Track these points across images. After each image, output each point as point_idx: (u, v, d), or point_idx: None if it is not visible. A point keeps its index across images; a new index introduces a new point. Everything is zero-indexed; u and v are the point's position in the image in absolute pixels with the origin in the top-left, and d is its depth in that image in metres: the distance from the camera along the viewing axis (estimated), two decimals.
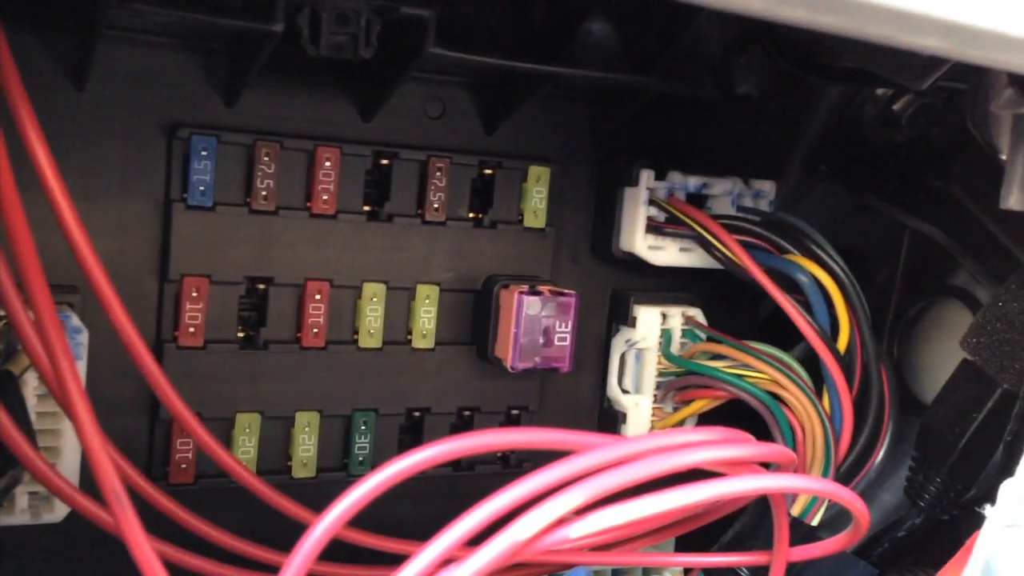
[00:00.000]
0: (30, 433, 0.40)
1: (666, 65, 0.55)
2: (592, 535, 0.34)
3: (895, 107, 0.61)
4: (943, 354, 0.65)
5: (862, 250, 0.66)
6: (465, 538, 0.32)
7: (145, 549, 0.33)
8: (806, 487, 0.50)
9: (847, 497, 0.43)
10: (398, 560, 0.33)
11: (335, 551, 0.37)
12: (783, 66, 0.56)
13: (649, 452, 0.37)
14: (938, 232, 0.61)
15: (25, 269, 0.36)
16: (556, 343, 0.53)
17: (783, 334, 0.60)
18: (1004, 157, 0.46)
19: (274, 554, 0.46)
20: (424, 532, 0.33)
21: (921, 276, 0.66)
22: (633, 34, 0.55)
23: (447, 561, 0.32)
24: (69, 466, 0.44)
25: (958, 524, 0.58)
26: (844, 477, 0.55)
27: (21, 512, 0.44)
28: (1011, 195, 0.45)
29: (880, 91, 0.61)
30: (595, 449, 0.36)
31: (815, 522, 0.54)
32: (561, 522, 0.33)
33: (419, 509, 0.55)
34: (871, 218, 0.66)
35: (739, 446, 0.40)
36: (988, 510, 0.41)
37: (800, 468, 0.54)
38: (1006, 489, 0.41)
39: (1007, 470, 0.53)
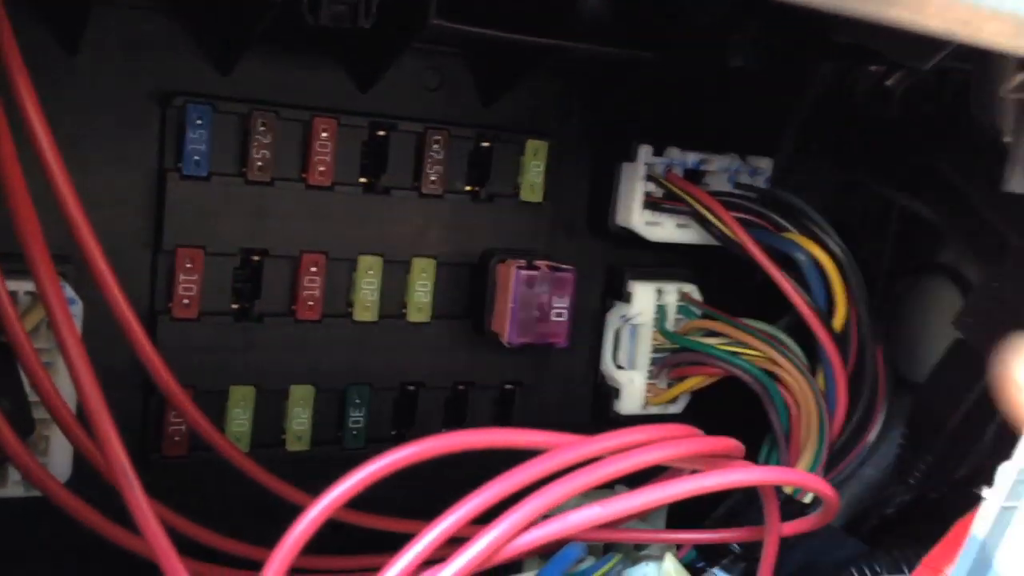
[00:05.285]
0: (26, 412, 0.39)
1: (662, 37, 0.54)
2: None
3: (888, 83, 0.61)
4: (929, 330, 0.65)
5: (849, 225, 0.66)
6: (435, 545, 0.33)
7: (154, 527, 0.33)
8: (769, 478, 0.50)
9: (813, 484, 0.44)
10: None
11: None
12: (779, 40, 0.55)
13: (608, 451, 0.37)
14: (927, 209, 0.61)
15: (27, 241, 0.35)
16: (553, 319, 0.53)
17: (770, 306, 0.60)
18: (1007, 140, 0.46)
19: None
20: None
21: (908, 252, 0.66)
22: (629, 5, 0.55)
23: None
24: (62, 449, 0.44)
25: (947, 502, 0.58)
26: (838, 454, 0.55)
27: (14, 484, 0.43)
28: (1014, 178, 0.44)
29: (874, 67, 0.61)
30: (562, 449, 0.36)
31: (807, 500, 0.54)
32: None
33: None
34: (859, 193, 0.66)
35: (690, 441, 0.40)
36: (985, 492, 0.41)
37: (794, 445, 0.54)
38: (1003, 471, 0.41)
39: (997, 451, 0.54)
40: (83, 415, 0.37)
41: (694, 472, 0.41)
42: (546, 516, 0.36)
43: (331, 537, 0.38)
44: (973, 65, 0.50)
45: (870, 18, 0.29)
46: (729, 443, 0.42)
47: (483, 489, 0.34)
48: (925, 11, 0.29)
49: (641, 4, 0.55)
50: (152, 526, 0.35)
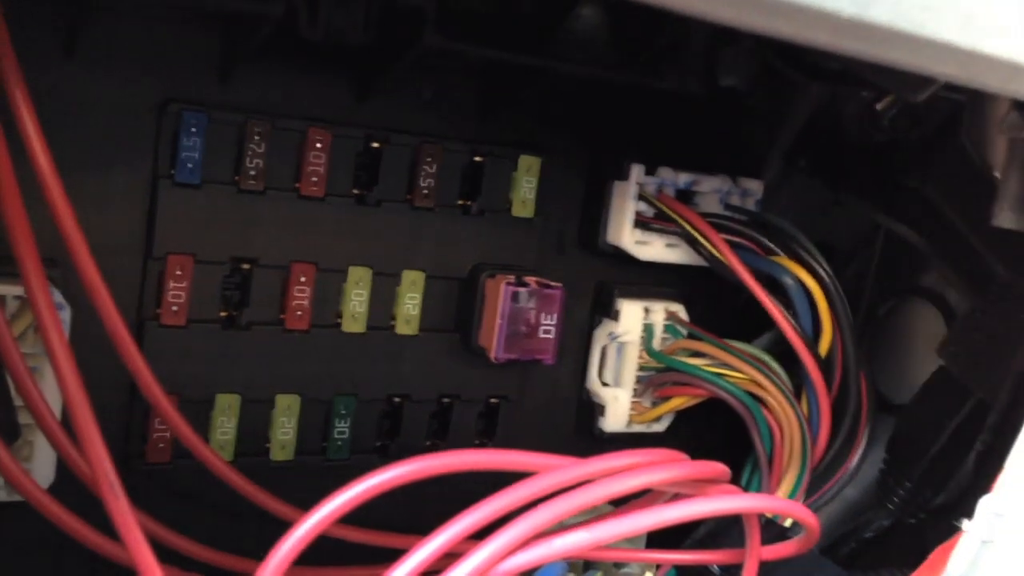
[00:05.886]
0: (12, 418, 0.39)
1: (653, 56, 0.54)
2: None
3: (878, 107, 0.61)
4: (911, 353, 0.66)
5: (833, 246, 0.67)
6: (428, 561, 0.33)
7: (138, 539, 0.33)
8: (756, 506, 0.50)
9: (798, 513, 0.45)
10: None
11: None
12: (770, 61, 0.55)
13: (599, 474, 0.38)
14: (912, 233, 0.62)
15: (18, 245, 0.35)
16: (540, 335, 0.53)
17: (754, 325, 0.61)
18: (997, 174, 0.47)
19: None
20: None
21: (892, 275, 0.67)
22: (621, 24, 0.55)
23: None
24: (46, 455, 0.43)
25: (924, 529, 0.59)
26: (819, 478, 0.56)
27: None
28: (1002, 213, 0.45)
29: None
30: (553, 472, 0.36)
31: (787, 523, 0.54)
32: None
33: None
34: (845, 214, 0.66)
35: (676, 466, 0.40)
36: (965, 524, 0.41)
37: (777, 468, 0.55)
38: (983, 505, 0.42)
39: (977, 481, 0.54)
40: (67, 421, 0.38)
41: (678, 496, 0.42)
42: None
43: (313, 548, 0.38)
44: (966, 97, 0.51)
45: (869, 59, 0.30)
46: (717, 468, 0.42)
47: (478, 507, 0.34)
48: (922, 54, 0.29)
49: (633, 24, 0.55)
50: (135, 537, 0.35)
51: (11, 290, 0.41)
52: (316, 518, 0.34)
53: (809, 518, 0.46)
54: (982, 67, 0.30)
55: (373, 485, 0.35)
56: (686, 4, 0.27)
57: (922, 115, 0.60)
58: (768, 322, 0.56)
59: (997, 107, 0.45)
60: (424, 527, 0.52)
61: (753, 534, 0.47)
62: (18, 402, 0.40)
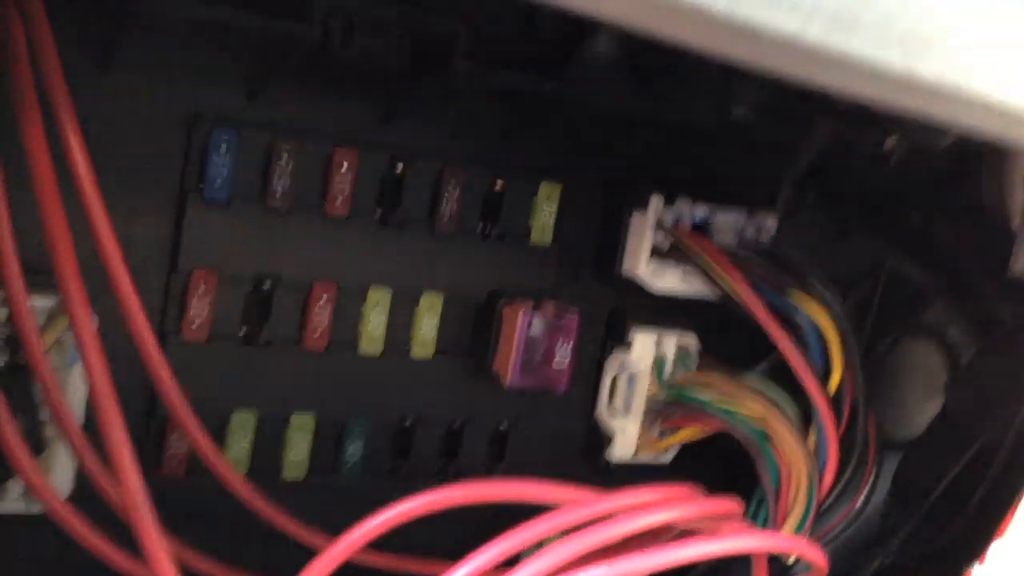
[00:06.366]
0: (36, 433, 0.39)
1: (667, 85, 0.55)
2: None
3: (887, 144, 0.62)
4: (911, 390, 0.66)
5: (834, 278, 0.67)
6: None
7: (164, 559, 0.33)
8: (773, 546, 0.51)
9: (811, 555, 0.45)
10: None
11: None
12: (782, 95, 0.56)
13: (619, 510, 0.39)
14: (916, 271, 0.62)
15: (59, 258, 0.35)
16: (555, 364, 0.54)
17: (760, 352, 0.61)
18: (1015, 223, 0.47)
19: None
20: None
21: (893, 311, 0.67)
22: (636, 52, 0.55)
23: None
24: (64, 467, 0.43)
25: (924, 570, 0.59)
26: (823, 516, 0.56)
27: (14, 500, 0.43)
28: (1020, 262, 0.46)
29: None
30: (571, 508, 0.37)
31: (790, 560, 0.55)
32: None
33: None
34: (847, 247, 0.67)
35: (695, 503, 0.41)
36: (976, 569, 0.42)
37: (783, 505, 0.55)
38: (994, 549, 0.42)
39: (981, 524, 0.55)
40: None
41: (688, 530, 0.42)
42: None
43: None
44: (987, 145, 0.51)
45: (914, 114, 0.30)
46: (732, 505, 0.43)
47: (504, 538, 0.34)
48: (971, 113, 0.30)
49: (647, 52, 0.55)
50: (161, 557, 0.35)
51: (41, 302, 0.41)
52: (344, 544, 0.34)
53: (819, 558, 0.46)
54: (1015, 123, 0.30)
55: (402, 512, 0.35)
56: (747, 58, 0.27)
57: (932, 154, 0.61)
58: (768, 348, 0.57)
59: (1017, 157, 0.46)
60: (433, 549, 0.52)
61: (760, 572, 0.48)
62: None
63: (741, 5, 0.24)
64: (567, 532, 0.36)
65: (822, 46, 0.26)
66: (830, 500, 0.56)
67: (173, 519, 0.45)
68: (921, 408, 0.64)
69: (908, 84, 0.29)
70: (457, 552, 0.36)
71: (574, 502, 0.37)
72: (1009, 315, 0.57)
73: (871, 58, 0.27)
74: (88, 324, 0.36)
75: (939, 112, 0.31)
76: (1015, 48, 0.29)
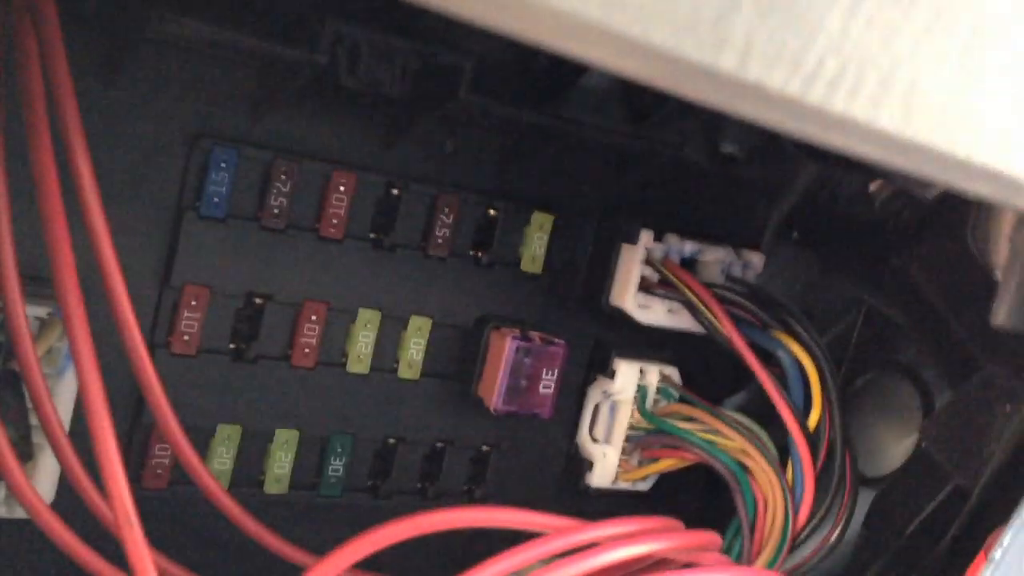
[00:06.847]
0: (28, 439, 0.39)
1: (660, 121, 0.56)
2: None
3: (871, 188, 0.63)
4: (886, 428, 0.67)
5: (814, 313, 0.68)
6: None
7: (149, 570, 0.33)
8: None
9: None
10: None
11: None
12: (774, 134, 0.57)
13: (602, 539, 0.39)
14: (895, 312, 0.63)
15: (59, 266, 0.36)
16: (540, 391, 0.54)
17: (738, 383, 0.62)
18: (998, 274, 0.48)
19: None
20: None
21: (869, 349, 0.68)
22: (628, 87, 0.56)
23: None
24: (48, 473, 0.44)
25: None
26: (798, 550, 0.57)
27: None
28: (1001, 313, 0.47)
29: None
30: (554, 536, 0.37)
31: None
32: None
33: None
34: (827, 285, 0.68)
35: (676, 536, 0.42)
36: None
37: (758, 537, 0.56)
38: None
39: (951, 564, 0.56)
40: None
41: (664, 562, 0.43)
42: None
43: None
44: (973, 200, 0.52)
45: (909, 173, 0.31)
46: (711, 538, 0.43)
47: (492, 563, 0.35)
48: (967, 176, 0.31)
49: (641, 90, 0.56)
50: (146, 569, 0.36)
51: (34, 311, 0.42)
52: (330, 564, 0.35)
53: None
54: (1011, 189, 0.31)
55: (387, 534, 0.36)
56: (770, 121, 0.28)
57: (913, 198, 0.62)
58: (745, 379, 0.57)
59: (1001, 211, 0.47)
60: (407, 573, 0.52)
61: None
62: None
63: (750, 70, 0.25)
64: (549, 560, 0.37)
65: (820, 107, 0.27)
66: (805, 533, 0.57)
67: (152, 530, 0.46)
68: (896, 445, 0.65)
69: (906, 147, 0.30)
70: None
71: (557, 530, 0.38)
72: (985, 361, 0.58)
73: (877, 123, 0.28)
74: (86, 334, 0.36)
75: (931, 172, 0.32)
76: (1001, 113, 0.30)
